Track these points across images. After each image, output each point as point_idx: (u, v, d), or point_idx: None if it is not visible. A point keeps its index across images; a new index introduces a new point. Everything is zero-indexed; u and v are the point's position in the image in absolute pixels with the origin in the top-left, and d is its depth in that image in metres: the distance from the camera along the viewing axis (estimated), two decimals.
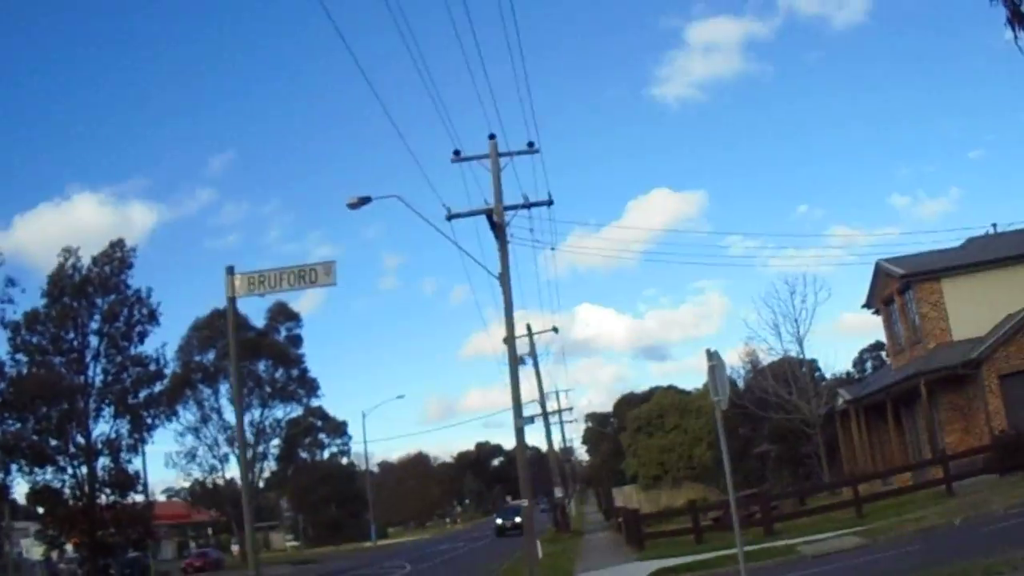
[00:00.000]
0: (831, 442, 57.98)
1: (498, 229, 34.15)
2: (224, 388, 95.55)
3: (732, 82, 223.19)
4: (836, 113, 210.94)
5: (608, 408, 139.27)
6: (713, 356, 18.23)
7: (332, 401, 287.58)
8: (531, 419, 32.61)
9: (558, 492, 72.30)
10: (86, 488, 62.31)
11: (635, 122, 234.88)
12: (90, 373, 64.14)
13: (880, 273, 52.02)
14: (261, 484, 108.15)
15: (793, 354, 58.57)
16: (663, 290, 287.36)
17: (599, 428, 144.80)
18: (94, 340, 64.67)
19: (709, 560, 31.06)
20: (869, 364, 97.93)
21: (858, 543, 29.87)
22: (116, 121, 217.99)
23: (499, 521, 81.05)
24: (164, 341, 74.85)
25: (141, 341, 66.35)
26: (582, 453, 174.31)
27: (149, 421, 67.89)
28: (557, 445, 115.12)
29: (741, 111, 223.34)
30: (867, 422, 53.20)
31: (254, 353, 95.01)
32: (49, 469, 62.55)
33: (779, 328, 58.28)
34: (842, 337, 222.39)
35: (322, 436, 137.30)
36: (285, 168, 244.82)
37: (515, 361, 34.96)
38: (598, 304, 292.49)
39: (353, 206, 30.75)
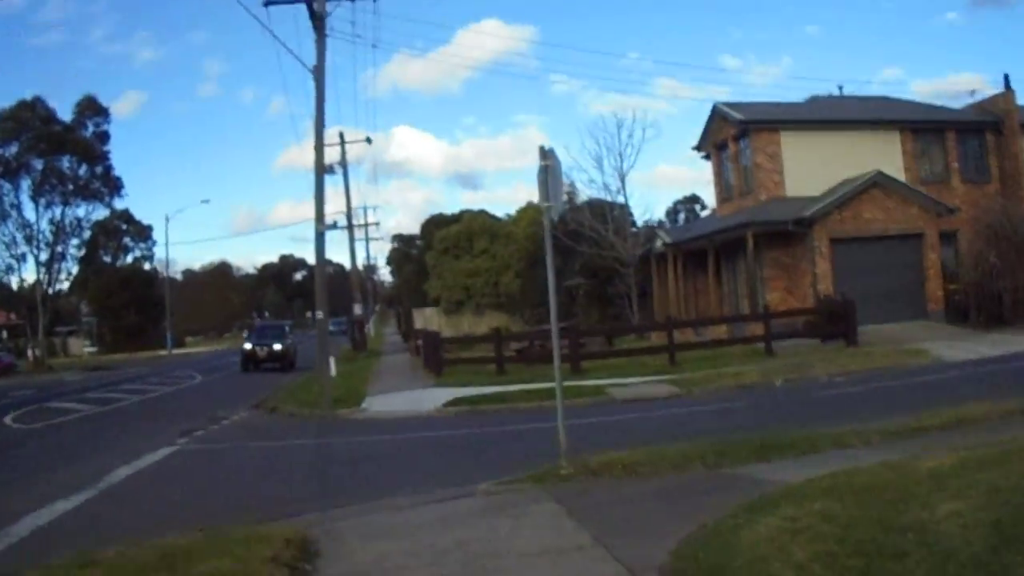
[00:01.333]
0: (644, 285, 56.19)
1: (317, 19, 31.46)
2: (25, 184, 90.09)
3: None
4: None
5: (416, 231, 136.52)
6: (548, 154, 15.51)
7: (140, 206, 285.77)
8: (333, 224, 30.01)
9: (357, 310, 69.35)
10: None
11: None
12: None
13: (716, 116, 49.69)
14: (62, 287, 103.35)
15: (614, 189, 55.89)
16: (482, 119, 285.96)
17: (405, 249, 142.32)
18: None
19: (511, 393, 28.50)
20: (682, 216, 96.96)
21: (672, 392, 27.88)
22: None
23: (247, 347, 56.98)
24: None
25: None
26: (387, 275, 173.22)
27: None
28: (361, 262, 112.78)
29: None
30: (685, 268, 51.62)
31: (59, 148, 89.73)
32: None
33: (602, 161, 55.50)
34: (656, 188, 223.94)
35: (126, 240, 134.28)
36: None
37: (321, 161, 31.97)
38: (416, 127, 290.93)
39: None
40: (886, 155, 45.15)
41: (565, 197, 64.06)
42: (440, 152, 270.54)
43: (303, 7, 31.39)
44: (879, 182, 42.94)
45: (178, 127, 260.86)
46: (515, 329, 59.89)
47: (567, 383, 29.82)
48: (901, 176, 44.83)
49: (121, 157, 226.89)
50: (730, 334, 41.88)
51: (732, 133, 47.94)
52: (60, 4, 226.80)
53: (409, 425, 25.05)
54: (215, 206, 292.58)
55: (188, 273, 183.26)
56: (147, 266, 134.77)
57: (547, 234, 15.88)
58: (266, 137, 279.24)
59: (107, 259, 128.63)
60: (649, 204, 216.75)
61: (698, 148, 53.03)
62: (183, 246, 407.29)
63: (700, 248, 48.74)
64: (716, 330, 43.91)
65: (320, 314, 32.36)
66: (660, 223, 73.15)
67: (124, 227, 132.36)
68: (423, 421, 25.89)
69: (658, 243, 53.74)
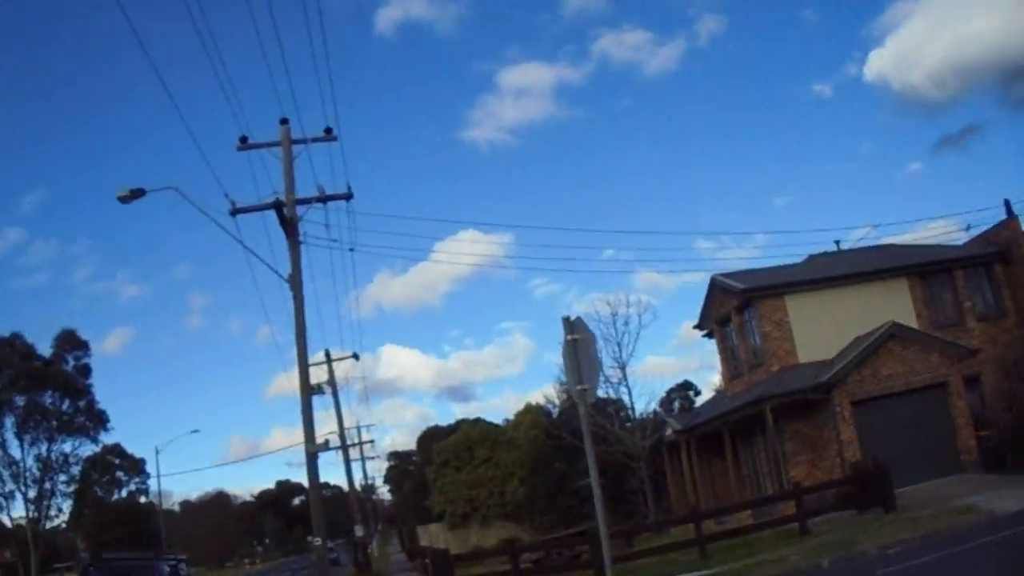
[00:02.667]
0: (657, 478, 53.20)
1: (289, 225, 29.33)
2: (9, 422, 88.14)
3: (543, 127, 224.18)
4: (645, 159, 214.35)
5: (413, 447, 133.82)
6: (576, 325, 12.92)
7: (131, 439, 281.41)
8: (325, 444, 27.12)
9: (359, 531, 66.34)
10: None
11: (446, 165, 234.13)
12: None
13: (716, 290, 47.35)
14: (55, 523, 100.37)
15: (615, 380, 53.00)
16: (468, 331, 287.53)
17: (402, 465, 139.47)
18: None
19: None
20: (677, 404, 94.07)
21: None
22: None
23: None
24: None
25: None
26: (385, 493, 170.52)
27: None
28: (359, 482, 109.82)
29: (551, 156, 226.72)
30: (699, 455, 48.58)
31: (40, 383, 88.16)
32: None
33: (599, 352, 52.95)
34: (647, 379, 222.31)
35: (119, 474, 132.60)
36: (94, 207, 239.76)
37: (306, 375, 29.29)
38: (403, 345, 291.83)
39: (124, 199, 26.85)
40: (896, 304, 42.85)
41: (564, 394, 61.64)
42: (429, 367, 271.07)
43: (273, 215, 29.16)
44: (895, 334, 40.31)
45: (166, 360, 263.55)
46: (525, 538, 56.28)
47: None
48: (914, 324, 42.40)
49: (110, 392, 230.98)
50: (756, 518, 38.81)
51: (734, 305, 45.52)
52: (43, 247, 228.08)
53: None
54: (209, 435, 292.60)
55: (186, 504, 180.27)
56: (142, 499, 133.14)
57: (584, 422, 13.23)
58: (255, 365, 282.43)
59: (101, 494, 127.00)
60: (654, 392, 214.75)
61: (699, 326, 50.66)
62: (179, 477, 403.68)
63: (714, 431, 45.87)
64: (741, 516, 40.79)
65: (318, 540, 29.16)
66: (657, 412, 69.80)
67: (116, 461, 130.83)
68: None
69: (668, 431, 50.99)
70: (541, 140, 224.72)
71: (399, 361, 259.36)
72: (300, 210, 29.85)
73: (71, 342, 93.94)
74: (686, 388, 69.82)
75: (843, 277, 44.59)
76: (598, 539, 32.44)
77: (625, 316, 51.34)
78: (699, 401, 78.09)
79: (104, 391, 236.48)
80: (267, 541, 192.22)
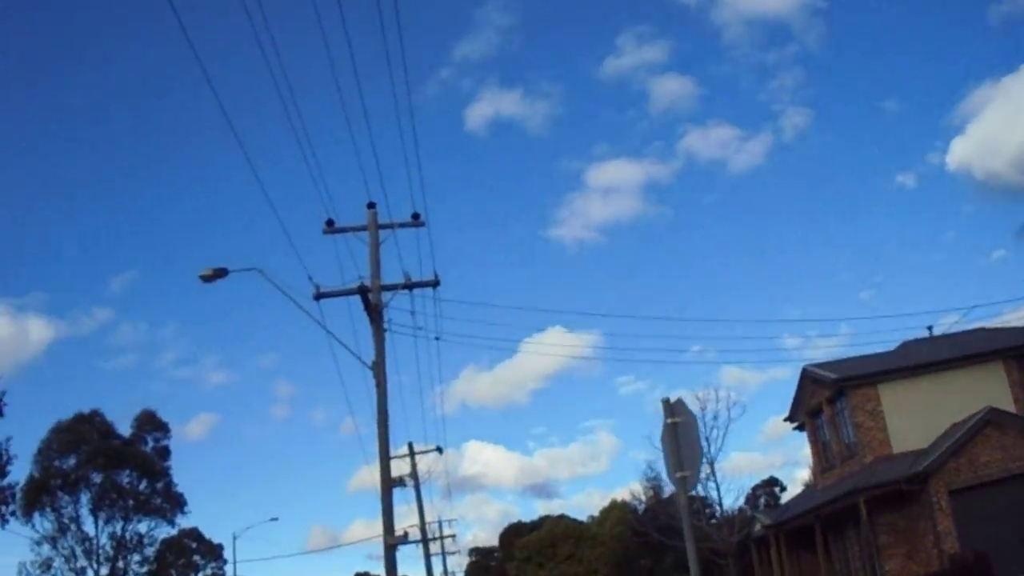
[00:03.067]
0: (745, 575, 51.61)
1: (373, 311, 28.35)
2: (85, 498, 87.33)
3: (630, 224, 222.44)
4: (731, 255, 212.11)
5: (494, 543, 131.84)
6: (677, 408, 11.91)
7: (212, 525, 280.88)
8: (404, 537, 26.16)
9: None
10: None
11: (533, 263, 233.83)
12: None
13: (807, 381, 46.05)
14: None
15: (703, 477, 51.62)
16: (552, 428, 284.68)
17: (483, 562, 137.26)
18: None
19: None
20: (763, 500, 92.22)
21: None
22: (17, 234, 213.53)
23: None
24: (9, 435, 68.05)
25: None
26: None
27: None
28: None
29: (638, 252, 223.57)
30: (788, 551, 47.07)
31: (118, 462, 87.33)
32: None
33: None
34: (733, 476, 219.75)
35: (196, 558, 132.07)
36: (185, 290, 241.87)
37: (387, 465, 28.28)
38: (487, 441, 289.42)
39: (207, 278, 25.82)
40: (992, 389, 41.00)
41: (650, 490, 60.27)
42: (512, 464, 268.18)
43: (357, 300, 28.38)
44: (992, 419, 38.50)
45: (248, 448, 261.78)
46: None
47: None
48: (1012, 408, 40.49)
49: (190, 476, 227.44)
50: None
51: (826, 396, 44.17)
52: (131, 329, 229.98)
53: None
54: (289, 525, 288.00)
55: None
56: None
57: (684, 515, 12.26)
58: (338, 456, 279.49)
59: None
60: (741, 487, 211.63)
61: (790, 419, 49.37)
62: (257, 567, 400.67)
63: (804, 526, 44.47)
64: None
65: None
66: (743, 509, 67.77)
67: (193, 545, 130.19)
68: None
69: (756, 527, 49.54)
70: (628, 237, 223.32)
71: (483, 457, 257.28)
72: (385, 296, 29.06)
73: (151, 423, 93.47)
74: (772, 484, 67.75)
75: (937, 363, 43.01)
76: None
77: (714, 411, 50.28)
78: (784, 497, 75.85)
79: (184, 475, 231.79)
80: None
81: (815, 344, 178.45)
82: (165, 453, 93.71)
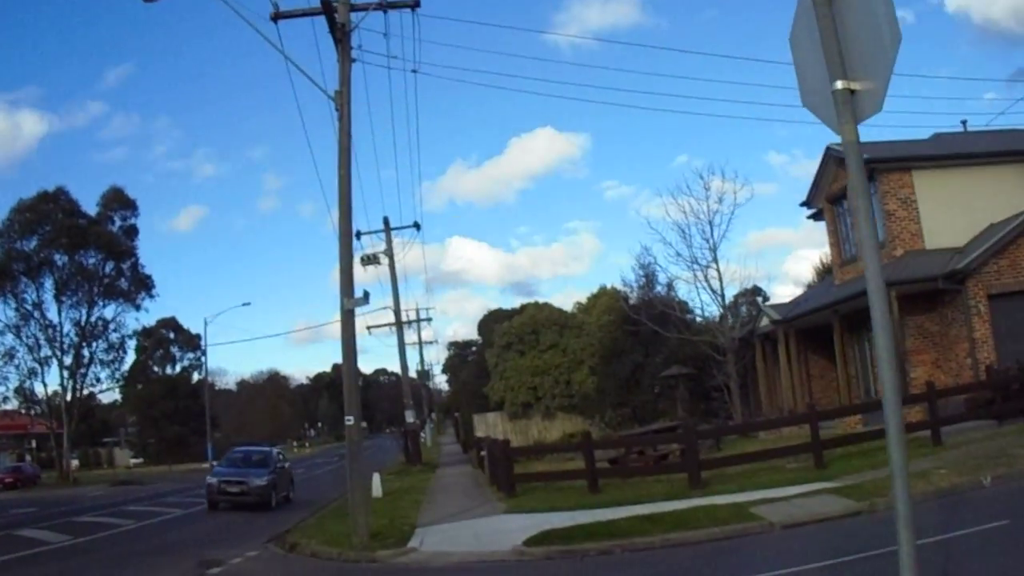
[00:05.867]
0: (744, 375, 47.59)
1: (339, 31, 23.87)
2: (48, 283, 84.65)
3: (626, 33, 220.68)
4: (722, 71, 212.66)
5: (473, 338, 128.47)
6: None
7: (193, 318, 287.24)
8: (364, 298, 21.55)
9: (410, 417, 61.07)
10: None
11: (527, 64, 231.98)
12: None
13: (830, 162, 40.96)
14: (92, 392, 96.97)
15: (703, 263, 46.78)
16: (536, 228, 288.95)
17: (462, 354, 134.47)
18: None
19: (618, 522, 19.73)
20: (744, 309, 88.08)
21: (846, 507, 19.04)
22: (10, 29, 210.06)
23: (211, 481, 40.32)
24: None
25: None
26: (443, 384, 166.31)
27: None
28: (415, 369, 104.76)
29: (632, 61, 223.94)
30: (798, 350, 42.99)
31: (82, 242, 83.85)
32: None
33: (688, 231, 46.56)
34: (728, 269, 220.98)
35: (174, 349, 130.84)
36: (179, 85, 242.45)
37: (348, 208, 23.67)
38: (470, 237, 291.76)
39: None
40: None
41: (642, 277, 55.94)
42: (495, 261, 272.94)
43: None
44: None
45: (235, 240, 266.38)
46: (594, 433, 50.68)
47: (692, 502, 21.52)
48: None
49: (175, 269, 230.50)
50: (866, 425, 33.20)
51: None
52: (124, 121, 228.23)
53: None
54: (270, 318, 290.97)
55: (242, 384, 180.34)
56: (196, 376, 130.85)
57: (856, 174, 7.50)
58: (323, 249, 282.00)
59: (156, 369, 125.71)
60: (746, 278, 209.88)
61: (807, 203, 44.55)
62: (238, 358, 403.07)
63: (819, 323, 40.41)
64: (847, 422, 35.12)
65: (350, 419, 23.51)
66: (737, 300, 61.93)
67: (171, 335, 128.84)
68: (499, 569, 17.54)
69: (763, 322, 45.30)
70: (623, 46, 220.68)
71: (466, 253, 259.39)
72: (355, 17, 24.52)
73: (119, 200, 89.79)
74: (755, 293, 62.57)
75: (975, 156, 38.64)
76: (692, 437, 27.07)
77: (719, 191, 45.44)
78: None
79: (168, 266, 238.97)
80: (320, 425, 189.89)
81: (799, 163, 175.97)
82: (133, 232, 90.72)
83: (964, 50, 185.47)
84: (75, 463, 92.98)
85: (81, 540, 28.48)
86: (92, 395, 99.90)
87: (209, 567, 20.33)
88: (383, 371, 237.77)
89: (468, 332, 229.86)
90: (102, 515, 38.73)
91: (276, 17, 24.41)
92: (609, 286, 64.76)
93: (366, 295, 23.15)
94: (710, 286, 46.18)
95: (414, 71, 28.30)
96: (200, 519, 35.78)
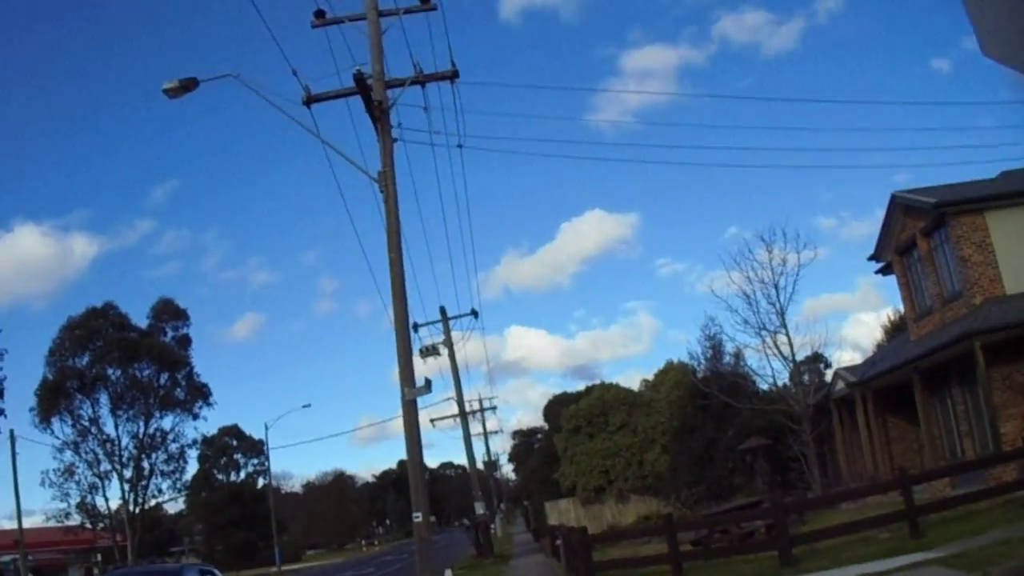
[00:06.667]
0: (820, 442, 45.78)
1: (376, 109, 22.66)
2: (103, 398, 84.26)
3: (666, 108, 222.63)
4: (765, 140, 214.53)
5: (538, 424, 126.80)
6: None
7: (255, 424, 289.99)
8: (426, 387, 20.12)
9: (479, 509, 59.64)
10: None
11: (571, 148, 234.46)
12: None
13: (896, 210, 39.07)
14: (156, 503, 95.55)
15: (771, 328, 45.08)
16: (594, 311, 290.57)
17: (527, 442, 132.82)
18: None
19: None
20: (807, 378, 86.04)
21: None
22: (58, 154, 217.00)
23: None
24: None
25: None
26: (510, 473, 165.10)
27: None
28: (480, 458, 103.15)
29: (674, 136, 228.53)
30: (876, 412, 41.01)
31: (134, 355, 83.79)
32: None
33: (754, 296, 45.01)
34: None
35: (238, 456, 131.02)
36: (224, 195, 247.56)
37: (401, 293, 22.33)
38: (528, 325, 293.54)
39: (174, 92, 21.86)
40: None
41: (709, 349, 54.31)
42: (555, 347, 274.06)
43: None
44: None
45: (296, 344, 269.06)
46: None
47: None
48: None
49: (236, 377, 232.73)
50: (956, 487, 31.38)
51: (921, 227, 37.14)
52: (174, 238, 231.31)
53: None
54: (333, 419, 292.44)
55: (308, 486, 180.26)
56: (260, 481, 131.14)
57: None
58: (382, 347, 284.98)
59: (220, 476, 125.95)
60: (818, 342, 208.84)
61: (876, 257, 42.57)
62: (302, 461, 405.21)
63: (897, 383, 38.33)
64: (935, 487, 33.20)
65: (418, 515, 22.07)
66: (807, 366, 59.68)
67: (234, 443, 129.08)
68: None
69: (838, 386, 43.46)
70: (664, 121, 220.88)
71: (525, 341, 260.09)
72: (393, 94, 23.51)
73: (169, 312, 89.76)
74: (816, 360, 59.70)
75: None
76: (780, 512, 25.21)
77: (782, 254, 43.90)
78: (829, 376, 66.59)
79: (227, 375, 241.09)
80: (388, 522, 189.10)
81: (848, 226, 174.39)
82: (186, 342, 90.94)
83: (1004, 94, 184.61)
84: None
85: None
86: (158, 506, 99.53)
87: None
88: (449, 464, 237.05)
89: (532, 420, 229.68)
90: None
91: (309, 101, 23.55)
92: (675, 360, 62.94)
93: (428, 383, 21.90)
94: (780, 352, 44.73)
95: (459, 145, 27.26)
96: None
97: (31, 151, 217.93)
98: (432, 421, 66.07)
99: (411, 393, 21.85)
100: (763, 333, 44.73)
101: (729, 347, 52.83)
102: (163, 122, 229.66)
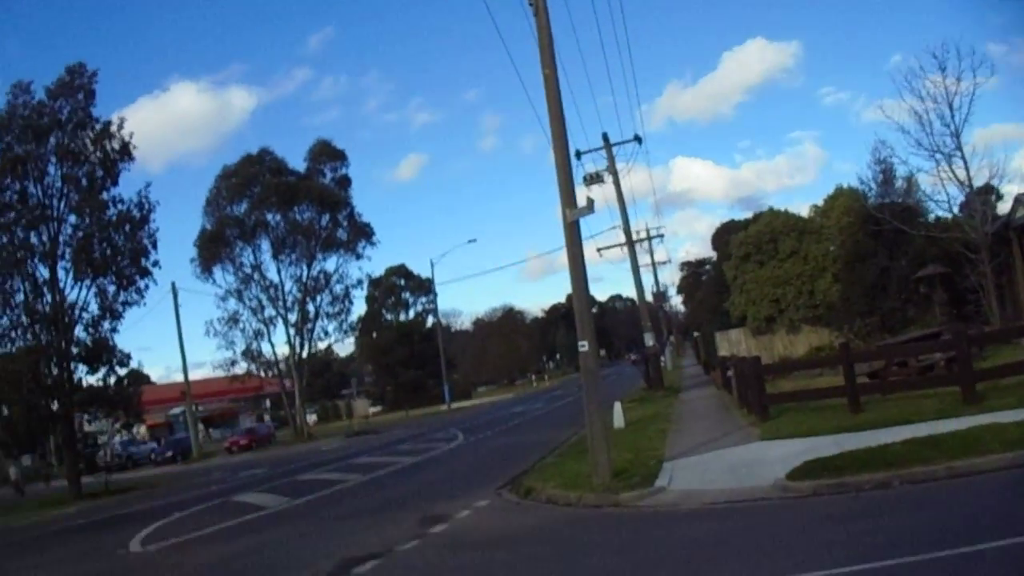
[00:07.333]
0: (998, 273, 43.92)
1: None
2: (265, 244, 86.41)
3: None
4: None
5: (706, 255, 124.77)
6: None
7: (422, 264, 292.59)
8: (589, 206, 19.38)
9: (649, 340, 58.70)
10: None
11: None
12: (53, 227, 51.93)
13: None
14: (325, 346, 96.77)
15: (946, 152, 42.90)
16: (758, 141, 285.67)
17: (696, 274, 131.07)
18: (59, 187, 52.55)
19: (891, 447, 16.81)
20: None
21: None
22: (211, 9, 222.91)
23: None
24: (147, 181, 65.03)
25: (115, 182, 53.76)
26: (679, 305, 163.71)
27: (138, 281, 54.41)
28: (649, 290, 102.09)
29: None
30: None
31: (293, 199, 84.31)
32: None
33: (927, 117, 42.86)
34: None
35: (406, 295, 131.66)
36: (382, 36, 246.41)
37: (557, 101, 21.30)
38: (694, 156, 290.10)
39: None
40: None
41: (879, 174, 52.38)
42: (721, 177, 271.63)
43: None
44: None
45: (461, 183, 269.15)
46: (838, 347, 47.25)
47: (965, 420, 18.64)
48: None
49: (402, 218, 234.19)
50: None
51: None
52: (333, 84, 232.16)
53: (739, 522, 14.46)
54: (500, 255, 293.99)
55: (478, 323, 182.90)
56: (430, 320, 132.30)
57: None
58: (548, 184, 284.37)
59: (389, 317, 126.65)
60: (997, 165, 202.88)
61: None
62: (470, 299, 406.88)
63: None
64: None
65: (584, 345, 21.21)
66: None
67: (401, 282, 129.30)
68: (761, 510, 15.11)
69: (1019, 213, 41.55)
70: None
71: (690, 172, 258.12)
72: None
73: (327, 153, 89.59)
74: (987, 192, 56.79)
75: None
76: (964, 344, 23.92)
77: (956, 71, 41.71)
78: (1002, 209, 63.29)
79: (394, 217, 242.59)
80: (558, 356, 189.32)
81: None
82: (345, 182, 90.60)
83: None
84: (313, 418, 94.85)
85: (300, 501, 27.64)
86: (328, 349, 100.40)
87: (433, 524, 18.55)
88: (617, 297, 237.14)
89: (700, 252, 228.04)
90: (328, 471, 38.54)
91: None
92: (845, 186, 60.74)
93: (590, 203, 20.88)
94: (955, 176, 42.77)
95: None
96: (431, 466, 34.52)
97: (185, 9, 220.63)
98: (599, 251, 64.64)
99: (573, 214, 20.87)
100: (937, 156, 42.74)
101: (901, 172, 50.59)
102: None
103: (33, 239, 51.33)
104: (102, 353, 52.30)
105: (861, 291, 52.49)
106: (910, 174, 48.97)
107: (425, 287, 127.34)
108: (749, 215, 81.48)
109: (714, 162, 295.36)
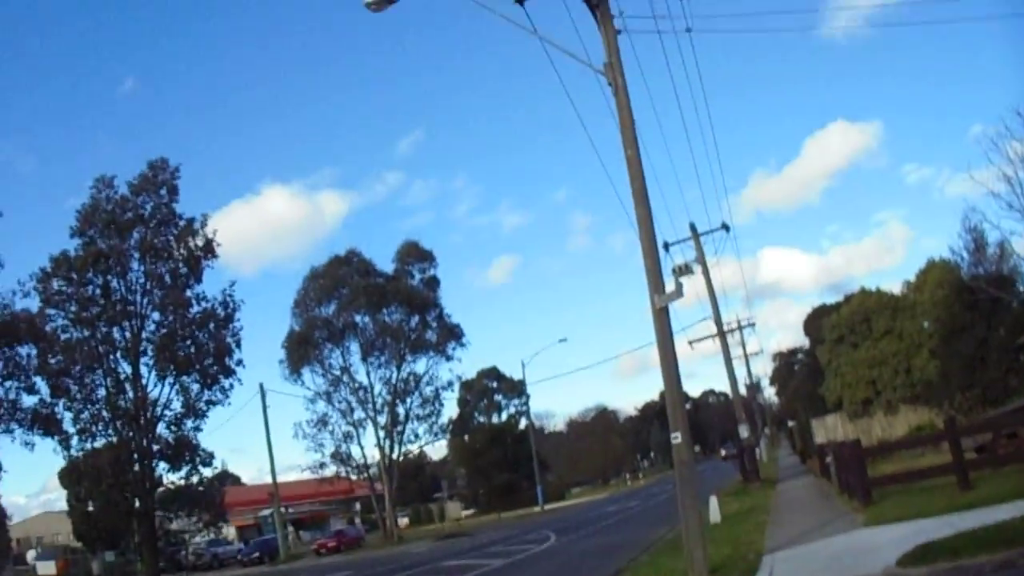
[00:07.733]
0: None
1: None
2: (354, 346, 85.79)
3: (895, 9, 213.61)
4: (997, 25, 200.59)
5: (798, 344, 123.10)
6: None
7: (514, 366, 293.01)
8: (678, 290, 18.34)
9: (744, 432, 57.32)
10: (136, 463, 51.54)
11: (805, 60, 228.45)
12: (136, 323, 52.31)
13: None
14: (418, 449, 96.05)
15: None
16: (845, 225, 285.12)
17: (788, 363, 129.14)
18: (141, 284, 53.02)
19: (1008, 524, 15.46)
20: None
21: None
22: (304, 115, 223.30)
23: None
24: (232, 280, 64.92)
25: (198, 280, 53.96)
26: (772, 397, 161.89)
27: (222, 380, 54.43)
28: (742, 381, 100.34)
29: (907, 38, 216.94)
30: None
31: (382, 301, 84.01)
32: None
33: (1016, 178, 41.12)
34: None
35: (498, 397, 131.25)
36: (470, 139, 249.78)
37: (641, 185, 20.18)
38: (781, 246, 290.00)
39: (376, 5, 20.20)
40: None
41: (971, 242, 50.82)
42: (809, 265, 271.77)
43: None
44: None
45: (552, 283, 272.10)
46: (940, 425, 45.43)
47: None
48: None
49: (494, 320, 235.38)
50: None
51: None
52: (422, 188, 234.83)
53: None
54: (591, 354, 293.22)
55: (571, 424, 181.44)
56: (523, 422, 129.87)
57: None
58: (638, 282, 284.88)
59: (482, 419, 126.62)
60: None
61: None
62: (563, 399, 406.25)
63: None
64: None
65: (676, 436, 19.91)
66: None
67: (493, 384, 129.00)
68: None
69: None
70: (895, 22, 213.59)
71: (779, 263, 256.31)
72: None
73: (414, 254, 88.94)
74: None
75: None
76: None
77: None
78: None
79: (485, 319, 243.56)
80: (652, 455, 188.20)
81: None
82: (433, 283, 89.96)
83: None
84: (404, 521, 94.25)
85: None
86: (420, 452, 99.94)
87: None
88: (711, 392, 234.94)
89: (791, 341, 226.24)
90: (415, 574, 39.23)
91: None
92: (937, 259, 59.14)
93: (679, 286, 19.88)
94: None
95: (688, 30, 25.10)
96: (520, 569, 33.96)
97: (278, 115, 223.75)
98: (690, 343, 63.48)
99: (662, 300, 19.79)
100: None
101: (993, 238, 49.02)
102: (405, 68, 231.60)
103: (115, 334, 52.26)
104: (184, 451, 52.96)
105: (960, 365, 50.74)
106: (1003, 239, 47.39)
107: (517, 389, 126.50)
108: (840, 299, 79.74)
109: (801, 249, 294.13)
